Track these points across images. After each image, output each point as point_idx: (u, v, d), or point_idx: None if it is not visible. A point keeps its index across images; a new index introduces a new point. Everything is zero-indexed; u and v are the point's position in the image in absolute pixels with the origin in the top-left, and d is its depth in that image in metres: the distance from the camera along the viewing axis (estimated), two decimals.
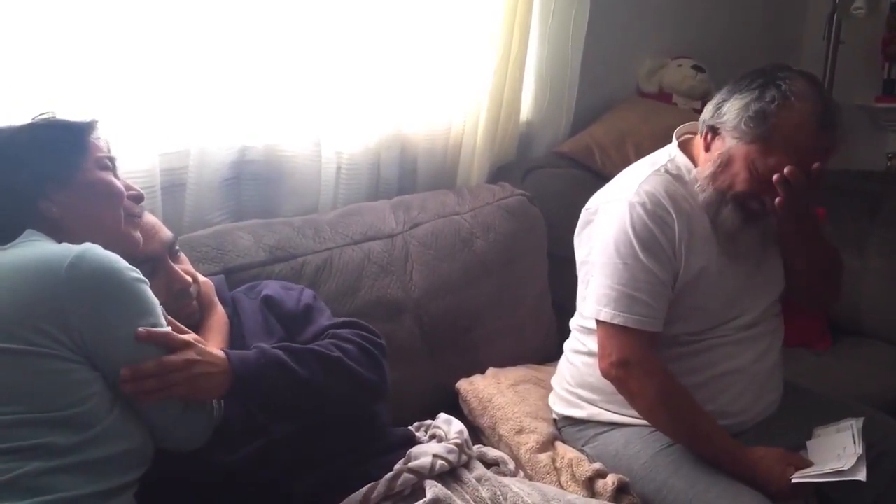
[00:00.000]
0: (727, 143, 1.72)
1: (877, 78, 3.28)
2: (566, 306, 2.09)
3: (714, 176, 1.74)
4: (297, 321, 1.62)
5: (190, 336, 1.35)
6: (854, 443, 1.64)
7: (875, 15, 3.12)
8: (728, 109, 1.71)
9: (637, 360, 1.73)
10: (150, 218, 1.54)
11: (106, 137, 1.48)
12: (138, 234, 1.44)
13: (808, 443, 1.74)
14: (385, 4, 2.14)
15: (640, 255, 1.72)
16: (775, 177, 1.65)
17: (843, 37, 3.12)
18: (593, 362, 1.81)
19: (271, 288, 1.69)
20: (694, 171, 1.80)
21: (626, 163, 2.52)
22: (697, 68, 2.89)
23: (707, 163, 1.76)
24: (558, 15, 2.53)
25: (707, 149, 1.77)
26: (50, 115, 1.43)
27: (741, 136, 1.69)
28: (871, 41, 3.25)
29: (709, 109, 1.76)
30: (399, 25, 2.19)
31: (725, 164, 1.72)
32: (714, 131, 1.75)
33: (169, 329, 1.31)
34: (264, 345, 1.44)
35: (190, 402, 1.32)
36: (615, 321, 1.73)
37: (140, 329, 1.26)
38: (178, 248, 1.58)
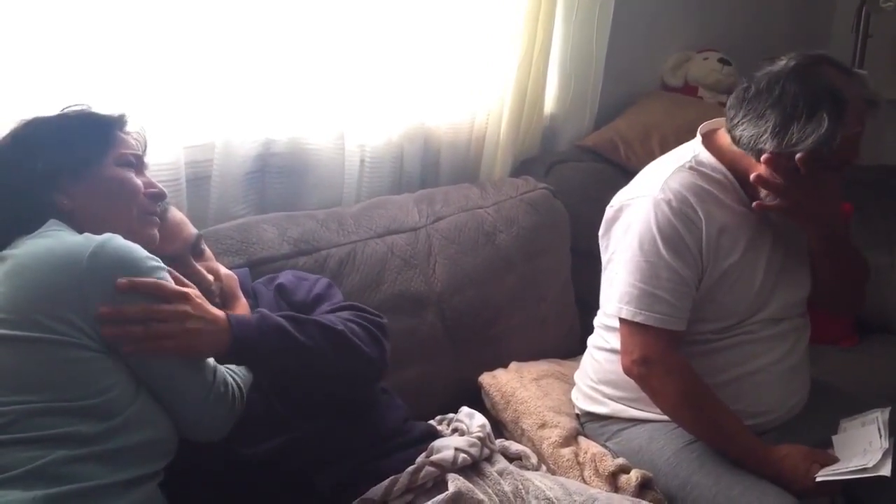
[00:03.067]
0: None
1: None
2: (589, 301, 2.08)
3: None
4: (305, 308, 1.60)
5: (189, 290, 1.31)
6: (880, 436, 1.63)
7: None
8: (799, 140, 1.62)
9: (659, 358, 1.72)
10: (176, 215, 1.54)
11: (142, 134, 1.48)
12: (154, 232, 1.41)
13: (834, 437, 1.72)
14: None
15: (664, 253, 1.71)
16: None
17: (872, 31, 3.08)
18: (616, 359, 1.80)
19: (284, 277, 1.70)
20: (719, 165, 1.77)
21: (651, 157, 2.50)
22: (724, 61, 2.87)
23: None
24: (582, 8, 2.51)
25: (775, 170, 1.68)
26: (82, 107, 1.43)
27: (820, 157, 1.63)
28: None
29: (766, 140, 1.66)
30: (423, 18, 2.19)
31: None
32: (779, 155, 1.67)
33: (153, 280, 1.26)
34: (266, 310, 1.43)
35: (182, 358, 1.28)
36: (636, 319, 1.72)
37: (121, 280, 1.21)
38: (202, 244, 1.58)
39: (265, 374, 1.43)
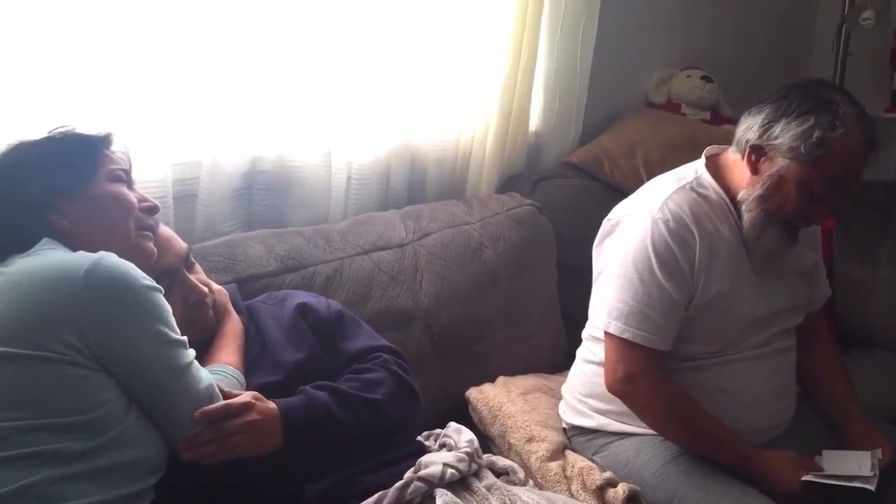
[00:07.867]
0: (777, 163, 1.69)
1: (886, 88, 3.27)
2: (575, 316, 2.09)
3: (764, 198, 1.72)
4: (330, 326, 1.66)
5: (248, 395, 1.39)
6: (871, 465, 1.64)
7: (883, 25, 3.12)
8: (781, 132, 1.67)
9: (643, 374, 1.73)
10: (165, 230, 1.55)
11: (125, 149, 1.49)
12: (151, 246, 1.44)
13: (825, 452, 1.73)
14: (395, 16, 2.16)
15: (658, 272, 1.71)
16: None
17: (852, 48, 3.13)
18: (603, 372, 1.81)
19: (303, 296, 1.72)
20: (718, 189, 1.78)
21: (636, 173, 2.53)
22: (706, 79, 2.89)
23: (756, 185, 1.72)
24: (567, 26, 2.54)
25: (754, 171, 1.73)
26: (68, 129, 1.44)
27: (796, 157, 1.66)
28: (880, 52, 3.25)
29: (753, 130, 1.71)
30: (409, 36, 2.20)
31: (776, 185, 1.70)
32: (760, 152, 1.71)
33: (222, 402, 1.34)
34: (311, 390, 1.48)
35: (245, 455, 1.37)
36: (624, 335, 1.73)
37: (196, 413, 1.30)
38: (192, 258, 1.59)
39: (308, 449, 1.46)
